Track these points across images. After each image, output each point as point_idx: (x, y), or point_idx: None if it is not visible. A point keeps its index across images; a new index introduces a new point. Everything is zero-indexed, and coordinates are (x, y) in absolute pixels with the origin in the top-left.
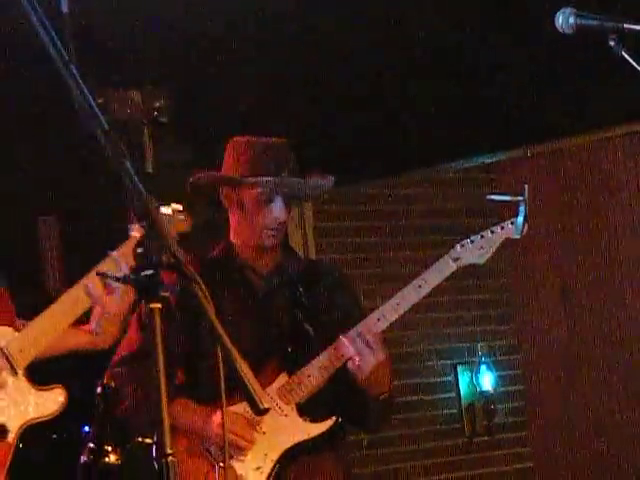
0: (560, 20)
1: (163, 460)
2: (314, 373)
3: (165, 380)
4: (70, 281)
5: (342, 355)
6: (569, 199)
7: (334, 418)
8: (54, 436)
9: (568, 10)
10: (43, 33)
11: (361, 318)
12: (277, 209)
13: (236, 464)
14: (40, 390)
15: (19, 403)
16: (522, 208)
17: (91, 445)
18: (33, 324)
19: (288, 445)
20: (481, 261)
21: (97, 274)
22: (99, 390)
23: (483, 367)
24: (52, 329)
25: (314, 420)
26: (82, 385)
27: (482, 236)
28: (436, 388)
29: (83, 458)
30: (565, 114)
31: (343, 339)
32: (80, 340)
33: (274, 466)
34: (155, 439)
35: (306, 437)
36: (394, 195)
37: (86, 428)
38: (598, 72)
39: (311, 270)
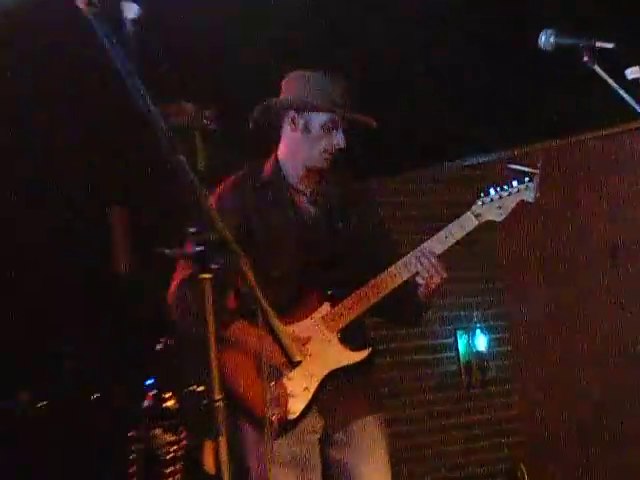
0: (542, 39)
1: (212, 404)
2: (354, 306)
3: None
4: (137, 265)
5: (378, 292)
6: (548, 189)
7: (370, 349)
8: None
9: (550, 31)
10: (110, 47)
11: (388, 247)
12: (339, 136)
13: (287, 383)
14: None
15: None
16: (537, 177)
17: (153, 392)
18: None
19: (331, 368)
20: (498, 219)
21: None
22: (159, 347)
23: (478, 331)
24: None
25: (353, 348)
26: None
27: (500, 196)
28: (438, 348)
29: (146, 404)
30: (544, 121)
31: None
32: None
33: (318, 386)
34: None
35: (346, 362)
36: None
37: (148, 382)
38: (574, 85)
39: (348, 197)
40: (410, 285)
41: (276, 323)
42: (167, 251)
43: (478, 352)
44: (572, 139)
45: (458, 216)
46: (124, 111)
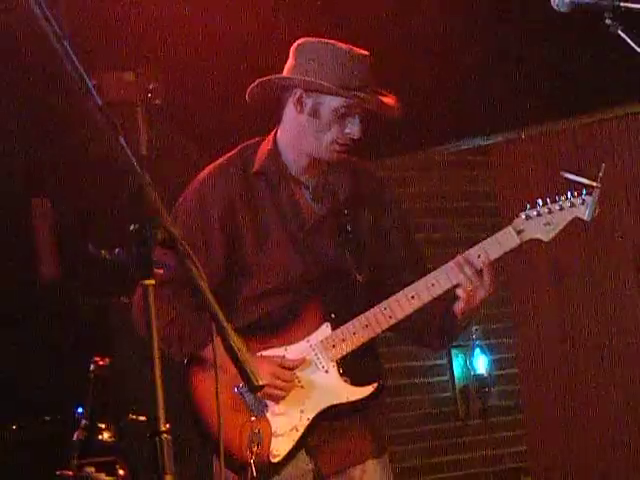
0: None
1: (157, 437)
2: (359, 331)
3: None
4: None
5: (390, 317)
6: (562, 181)
7: (375, 385)
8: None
9: None
10: (37, 10)
11: (411, 256)
12: (355, 125)
13: (272, 418)
14: None
15: None
16: (596, 191)
17: (84, 422)
18: None
19: (326, 405)
20: (546, 238)
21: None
22: (92, 367)
23: (477, 350)
24: None
25: (354, 382)
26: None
27: (549, 210)
28: (430, 371)
29: (77, 436)
30: (559, 96)
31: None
32: None
33: (309, 425)
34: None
35: (344, 401)
36: (389, 178)
37: (79, 409)
38: (593, 52)
39: (360, 190)
40: (442, 299)
41: (232, 337)
42: (103, 252)
43: (477, 375)
44: (592, 119)
45: (498, 229)
46: (48, 84)
